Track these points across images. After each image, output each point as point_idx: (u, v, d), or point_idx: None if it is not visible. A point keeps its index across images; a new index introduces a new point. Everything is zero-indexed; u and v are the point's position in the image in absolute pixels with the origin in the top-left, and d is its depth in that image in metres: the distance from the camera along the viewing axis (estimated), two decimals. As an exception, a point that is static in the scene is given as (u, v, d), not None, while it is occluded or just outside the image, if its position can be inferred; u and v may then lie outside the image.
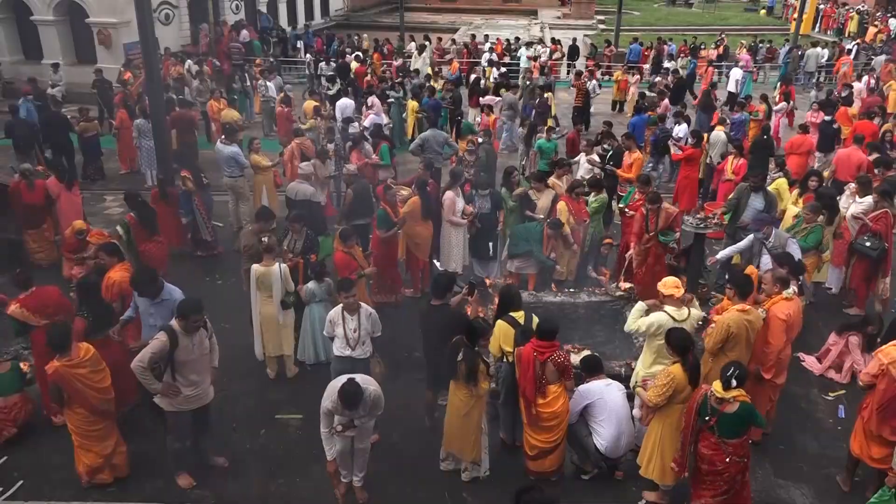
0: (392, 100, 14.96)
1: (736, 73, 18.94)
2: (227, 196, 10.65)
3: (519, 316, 5.93)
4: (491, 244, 8.71)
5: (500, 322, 5.92)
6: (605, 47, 23.60)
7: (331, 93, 16.93)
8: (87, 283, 6.32)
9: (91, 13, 19.20)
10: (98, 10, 19.14)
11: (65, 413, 5.64)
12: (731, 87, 18.54)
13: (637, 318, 5.83)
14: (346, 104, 14.34)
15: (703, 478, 5.13)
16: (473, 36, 24.45)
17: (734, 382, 4.86)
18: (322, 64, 19.48)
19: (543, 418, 5.52)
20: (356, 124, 12.05)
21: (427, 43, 22.56)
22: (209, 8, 23.80)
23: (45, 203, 9.33)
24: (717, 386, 4.90)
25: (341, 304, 5.96)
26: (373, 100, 13.99)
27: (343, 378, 5.05)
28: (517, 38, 24.39)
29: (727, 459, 4.96)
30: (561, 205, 8.34)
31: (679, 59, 21.66)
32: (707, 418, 4.94)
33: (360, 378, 5.11)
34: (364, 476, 5.55)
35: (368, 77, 17.10)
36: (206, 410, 5.72)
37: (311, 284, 7.04)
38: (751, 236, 7.59)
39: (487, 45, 22.86)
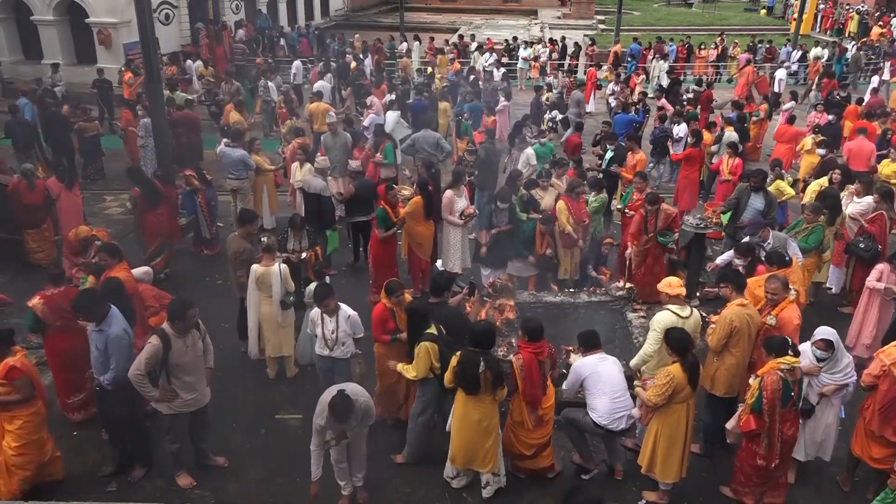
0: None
1: (780, 74, 18.80)
2: (229, 197, 10.64)
3: (433, 330, 5.73)
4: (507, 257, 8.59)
5: (423, 344, 5.61)
6: (587, 45, 23.57)
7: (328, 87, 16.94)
8: (111, 287, 6.07)
9: (91, 13, 19.21)
10: (98, 10, 19.15)
11: (13, 424, 5.38)
12: (776, 88, 18.40)
13: (656, 335, 5.75)
14: (321, 85, 15.36)
15: (783, 458, 5.26)
16: (461, 36, 24.33)
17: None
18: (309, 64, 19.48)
19: (545, 413, 5.53)
20: (332, 114, 12.02)
21: (418, 42, 22.56)
22: (209, 8, 23.82)
23: (45, 203, 9.33)
24: (788, 359, 5.06)
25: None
26: (372, 99, 13.97)
27: (332, 390, 5.00)
28: (515, 38, 24.27)
29: (801, 421, 5.40)
30: (560, 204, 8.33)
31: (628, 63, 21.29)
32: (792, 394, 5.11)
33: (350, 388, 5.05)
34: (364, 476, 5.55)
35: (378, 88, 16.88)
36: (205, 411, 5.71)
37: (312, 286, 7.03)
38: (745, 239, 7.61)
39: (474, 45, 22.85)
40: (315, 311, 6.02)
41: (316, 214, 9.02)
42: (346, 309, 6.01)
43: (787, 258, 6.68)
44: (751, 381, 5.31)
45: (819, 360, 5.46)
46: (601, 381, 5.54)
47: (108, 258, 6.55)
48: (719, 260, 7.78)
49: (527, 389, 5.40)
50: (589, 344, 5.78)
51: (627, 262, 8.29)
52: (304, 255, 7.60)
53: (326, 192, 9.23)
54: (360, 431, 5.27)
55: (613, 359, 5.75)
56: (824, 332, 5.45)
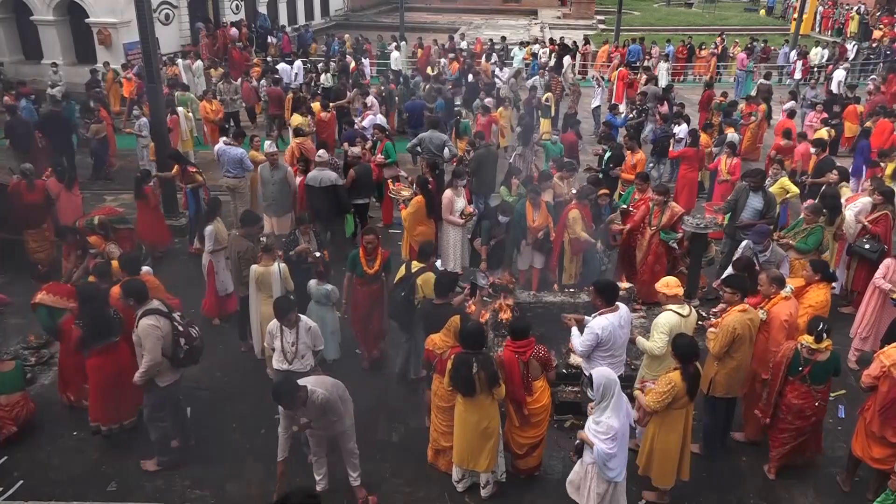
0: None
1: (839, 74, 18.69)
2: (228, 196, 10.62)
3: (415, 265, 6.68)
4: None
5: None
6: (583, 45, 23.62)
7: (327, 85, 16.98)
8: (89, 290, 6.10)
9: (91, 13, 19.24)
10: (98, 10, 19.17)
11: None
12: (834, 88, 18.33)
13: (664, 338, 5.59)
14: (283, 68, 17.05)
15: (787, 426, 5.64)
16: (451, 37, 24.27)
17: (825, 335, 5.36)
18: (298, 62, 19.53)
19: (533, 414, 5.49)
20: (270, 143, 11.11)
21: (405, 43, 22.52)
22: (209, 8, 23.85)
23: (45, 203, 9.33)
24: (808, 339, 5.37)
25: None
26: (371, 100, 13.98)
27: (307, 380, 5.11)
28: (503, 38, 24.13)
29: (816, 404, 5.55)
30: (574, 213, 8.02)
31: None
32: (800, 369, 5.44)
33: (311, 380, 5.11)
34: (359, 475, 5.54)
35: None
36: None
37: (312, 283, 7.02)
38: (742, 244, 7.59)
39: (465, 44, 22.82)
40: (273, 323, 5.80)
41: (334, 206, 9.18)
42: (306, 320, 5.89)
43: (831, 270, 6.77)
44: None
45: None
46: (615, 346, 5.52)
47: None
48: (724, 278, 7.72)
49: (507, 387, 5.38)
50: (608, 298, 5.60)
51: (630, 259, 8.24)
52: (317, 253, 7.47)
53: (340, 180, 9.29)
54: (342, 429, 5.24)
55: (626, 310, 5.67)
56: (596, 370, 4.98)
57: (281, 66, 18.00)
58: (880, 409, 5.28)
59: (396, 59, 20.47)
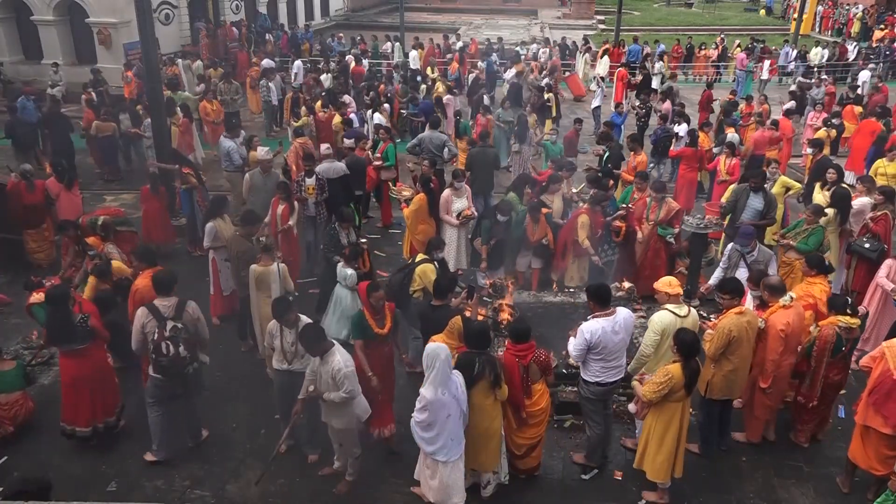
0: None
1: (864, 76, 18.68)
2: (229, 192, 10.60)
3: (420, 256, 7.09)
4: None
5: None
6: (583, 45, 23.68)
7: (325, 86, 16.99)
8: (59, 292, 5.93)
9: (91, 13, 19.23)
10: (98, 10, 19.17)
11: None
12: (859, 90, 18.21)
13: (652, 336, 5.64)
14: (268, 63, 17.32)
15: (826, 400, 6.02)
16: (446, 36, 24.24)
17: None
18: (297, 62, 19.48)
19: (531, 416, 5.48)
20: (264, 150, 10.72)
21: (398, 44, 22.47)
22: (209, 8, 23.84)
23: (45, 203, 9.34)
24: (844, 318, 5.67)
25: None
26: (347, 98, 14.08)
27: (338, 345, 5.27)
28: (500, 38, 24.07)
29: (849, 372, 6.02)
30: (583, 218, 7.99)
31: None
32: (843, 349, 5.76)
33: (343, 355, 5.18)
34: (353, 469, 5.62)
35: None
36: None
37: (348, 271, 7.05)
38: (729, 247, 7.59)
39: (460, 44, 22.83)
40: (273, 323, 5.77)
41: (347, 195, 9.40)
42: (305, 319, 5.84)
43: (827, 264, 6.79)
44: (812, 329, 5.93)
45: None
46: (606, 350, 5.48)
47: (136, 261, 6.73)
48: (712, 282, 7.71)
49: (507, 390, 5.35)
50: (600, 300, 5.54)
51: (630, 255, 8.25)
52: (363, 241, 7.50)
53: (346, 170, 9.48)
54: (347, 423, 5.29)
55: (623, 317, 5.55)
56: (429, 344, 5.01)
57: (265, 61, 18.20)
58: (869, 392, 5.28)
59: (414, 59, 20.51)
